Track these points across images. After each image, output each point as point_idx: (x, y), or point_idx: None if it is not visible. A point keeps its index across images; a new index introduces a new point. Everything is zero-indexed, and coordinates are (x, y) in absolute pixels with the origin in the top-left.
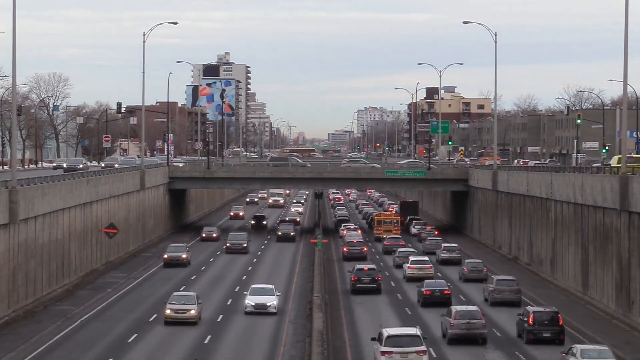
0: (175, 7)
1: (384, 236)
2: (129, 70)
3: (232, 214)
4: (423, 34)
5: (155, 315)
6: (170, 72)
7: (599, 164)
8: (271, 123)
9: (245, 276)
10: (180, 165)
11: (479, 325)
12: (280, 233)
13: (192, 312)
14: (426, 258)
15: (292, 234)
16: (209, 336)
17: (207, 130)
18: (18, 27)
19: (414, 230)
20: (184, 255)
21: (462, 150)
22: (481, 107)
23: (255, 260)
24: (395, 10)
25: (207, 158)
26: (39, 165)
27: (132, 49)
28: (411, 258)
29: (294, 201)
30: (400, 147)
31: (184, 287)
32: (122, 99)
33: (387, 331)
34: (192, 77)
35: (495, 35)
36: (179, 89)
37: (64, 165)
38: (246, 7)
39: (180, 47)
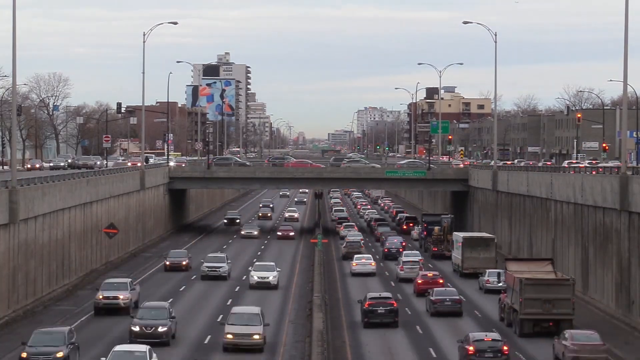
0: (177, 6)
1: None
2: (129, 70)
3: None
4: (423, 34)
5: None
6: (171, 72)
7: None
8: (271, 123)
9: (245, 276)
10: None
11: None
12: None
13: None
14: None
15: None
16: (209, 336)
17: (207, 130)
18: (31, 26)
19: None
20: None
21: (462, 150)
22: (481, 107)
23: (255, 261)
24: (395, 9)
25: (207, 158)
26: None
27: (133, 49)
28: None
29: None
30: (397, 148)
31: (183, 287)
32: (122, 99)
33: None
34: (192, 77)
35: (495, 35)
36: (179, 89)
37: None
38: (246, 7)
39: (181, 46)
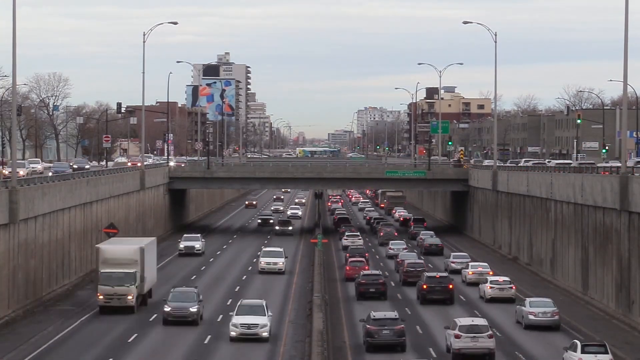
0: (178, 5)
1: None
2: (129, 70)
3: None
4: (423, 34)
5: (155, 315)
6: (171, 72)
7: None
8: (271, 123)
9: (245, 276)
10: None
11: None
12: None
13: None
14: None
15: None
16: (209, 336)
17: (207, 130)
18: (41, 24)
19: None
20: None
21: (462, 150)
22: (481, 107)
23: (254, 260)
24: (395, 7)
25: (207, 158)
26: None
27: (134, 48)
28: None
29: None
30: (400, 147)
31: (183, 286)
32: (122, 98)
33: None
34: (192, 77)
35: (496, 35)
36: (179, 89)
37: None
38: (245, 6)
39: (182, 46)
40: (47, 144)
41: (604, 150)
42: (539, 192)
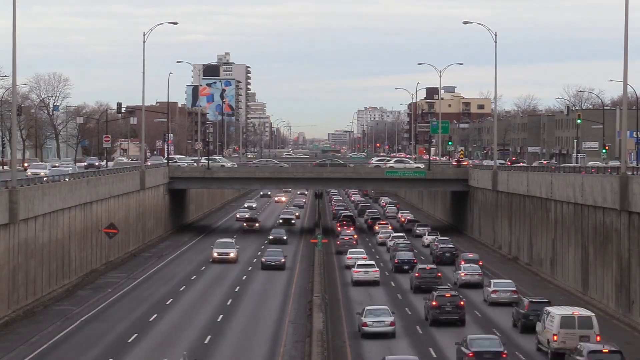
0: (178, 4)
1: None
2: (129, 70)
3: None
4: (423, 33)
5: (155, 315)
6: (171, 72)
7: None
8: (271, 123)
9: (245, 276)
10: (183, 164)
11: None
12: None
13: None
14: None
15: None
16: (209, 336)
17: (207, 130)
18: (42, 23)
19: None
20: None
21: (462, 150)
22: (481, 107)
23: (255, 260)
24: (395, 7)
25: (207, 158)
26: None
27: (135, 47)
28: None
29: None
30: (400, 147)
31: (183, 287)
32: (122, 99)
33: None
34: (192, 77)
35: (496, 35)
36: (179, 89)
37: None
38: (246, 6)
39: (183, 46)
40: (47, 144)
41: (604, 151)
42: (539, 192)
